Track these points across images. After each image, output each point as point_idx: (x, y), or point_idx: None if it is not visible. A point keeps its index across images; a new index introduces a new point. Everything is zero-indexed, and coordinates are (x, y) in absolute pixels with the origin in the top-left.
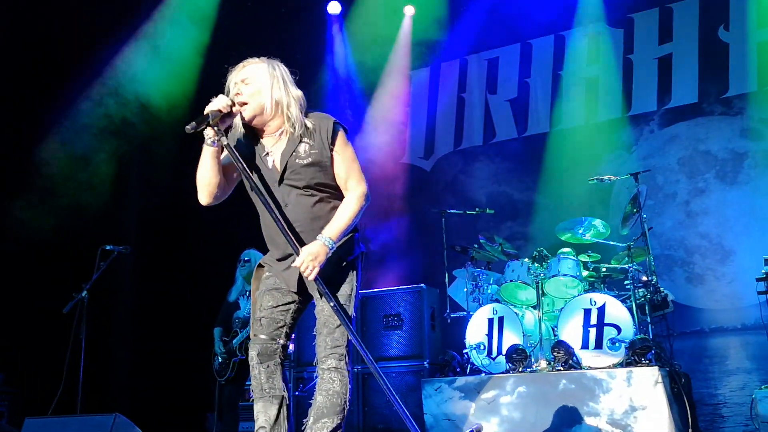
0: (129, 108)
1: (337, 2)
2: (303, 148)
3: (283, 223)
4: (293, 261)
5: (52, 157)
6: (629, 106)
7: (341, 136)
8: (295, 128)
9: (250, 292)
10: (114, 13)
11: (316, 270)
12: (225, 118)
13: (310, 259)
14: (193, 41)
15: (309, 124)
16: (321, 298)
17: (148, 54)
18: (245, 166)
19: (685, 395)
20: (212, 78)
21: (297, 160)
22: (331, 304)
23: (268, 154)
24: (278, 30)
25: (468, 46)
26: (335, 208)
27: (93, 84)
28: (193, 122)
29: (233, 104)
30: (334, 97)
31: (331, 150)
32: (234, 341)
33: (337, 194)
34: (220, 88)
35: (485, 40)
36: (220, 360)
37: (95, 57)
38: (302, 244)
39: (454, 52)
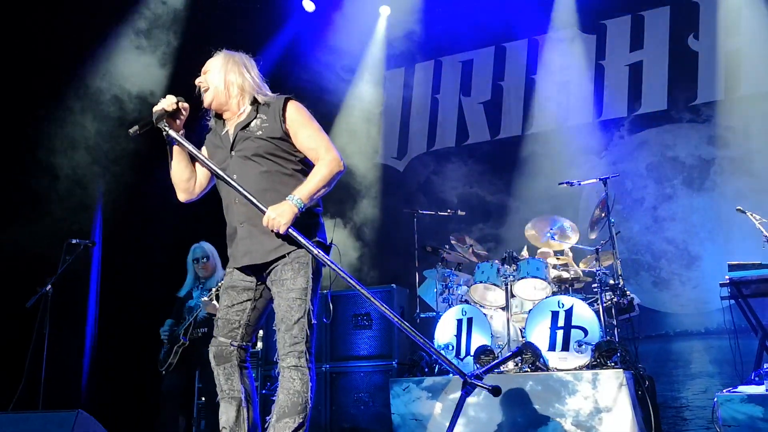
0: (96, 103)
1: (311, 0)
2: (255, 122)
3: (239, 187)
4: (239, 235)
5: (18, 152)
6: (600, 112)
7: (296, 111)
8: (248, 104)
9: (203, 284)
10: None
11: (283, 227)
12: (174, 115)
13: (272, 216)
14: (165, 38)
15: (263, 100)
16: (267, 280)
17: (115, 51)
18: (197, 151)
19: (649, 398)
20: (182, 75)
21: (248, 132)
22: (315, 251)
23: (227, 132)
24: (251, 27)
25: (443, 47)
26: (284, 182)
27: (62, 80)
28: (136, 126)
29: (178, 102)
30: (307, 95)
31: (284, 125)
32: (181, 327)
33: (288, 167)
34: (189, 84)
35: (460, 43)
36: (165, 348)
37: (63, 52)
38: (248, 215)
39: (429, 54)
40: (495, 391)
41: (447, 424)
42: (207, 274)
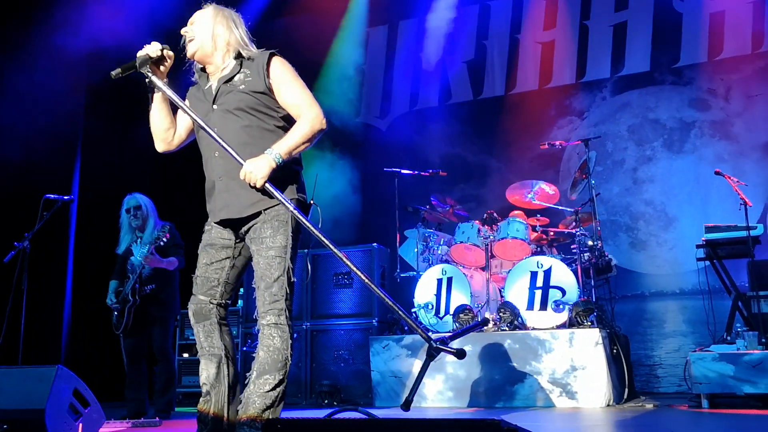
0: (78, 59)
1: None
2: (239, 76)
3: (219, 139)
4: (217, 190)
5: None
6: (583, 73)
7: (280, 66)
8: (233, 59)
9: (140, 237)
10: None
11: (259, 181)
12: (158, 62)
13: (249, 169)
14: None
15: (247, 55)
16: (246, 237)
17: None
18: (179, 99)
19: (623, 356)
20: (168, 35)
21: (231, 86)
22: (291, 207)
23: (210, 86)
24: None
25: (427, 5)
26: (265, 138)
27: (44, 32)
28: (119, 69)
29: (163, 49)
30: (289, 52)
31: (268, 80)
32: (127, 286)
33: (269, 122)
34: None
35: (444, 0)
36: (116, 313)
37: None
38: (226, 169)
39: (413, 11)
40: (459, 354)
41: (424, 382)
42: (140, 224)
